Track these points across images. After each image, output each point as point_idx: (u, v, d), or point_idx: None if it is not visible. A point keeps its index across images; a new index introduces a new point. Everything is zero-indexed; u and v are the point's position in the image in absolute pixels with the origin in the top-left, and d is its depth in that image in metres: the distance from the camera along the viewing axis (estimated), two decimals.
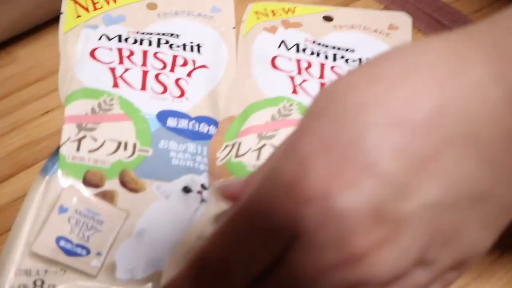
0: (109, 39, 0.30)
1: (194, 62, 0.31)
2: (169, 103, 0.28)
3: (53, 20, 0.38)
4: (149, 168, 0.25)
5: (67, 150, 0.25)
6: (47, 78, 0.35)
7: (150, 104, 0.28)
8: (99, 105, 0.27)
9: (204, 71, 0.30)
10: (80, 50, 0.30)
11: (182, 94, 0.29)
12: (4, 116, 0.33)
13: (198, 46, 0.31)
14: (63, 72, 0.29)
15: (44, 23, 0.37)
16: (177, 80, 0.29)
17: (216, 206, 0.25)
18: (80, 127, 0.26)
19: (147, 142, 0.26)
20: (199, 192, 0.26)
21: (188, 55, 0.31)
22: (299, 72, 0.31)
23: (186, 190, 0.25)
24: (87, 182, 0.24)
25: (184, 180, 0.26)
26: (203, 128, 0.28)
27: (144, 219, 0.24)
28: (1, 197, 0.29)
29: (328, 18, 0.35)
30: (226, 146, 0.27)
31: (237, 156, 0.26)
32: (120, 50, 0.29)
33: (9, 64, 0.36)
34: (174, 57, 0.30)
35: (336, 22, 0.35)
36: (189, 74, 0.30)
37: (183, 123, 0.27)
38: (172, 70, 0.30)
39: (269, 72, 0.30)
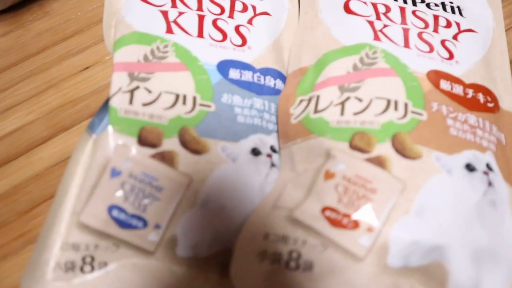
0: None
1: (254, 7, 0.27)
2: (230, 52, 0.24)
3: None
4: (213, 125, 0.22)
5: (118, 103, 0.21)
6: (84, 31, 0.32)
7: (209, 52, 0.24)
8: (152, 51, 0.23)
9: (267, 18, 0.27)
10: None
11: (244, 42, 0.25)
12: (39, 73, 0.30)
13: None
14: (108, 17, 0.25)
15: None
16: (237, 27, 0.25)
17: (292, 171, 0.21)
18: (132, 76, 0.22)
19: (209, 96, 0.22)
20: (269, 155, 0.22)
21: (247, 0, 0.27)
22: (378, 17, 0.26)
23: (255, 152, 0.22)
24: (142, 140, 0.21)
25: (252, 140, 0.22)
26: (269, 81, 0.24)
27: (210, 186, 0.21)
28: (39, 162, 0.26)
29: None
30: (301, 100, 0.23)
31: (316, 111, 0.22)
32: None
33: (42, 18, 0.33)
34: (232, 1, 0.26)
35: None
36: (250, 21, 0.26)
37: (247, 75, 0.24)
38: (231, 15, 0.26)
39: (343, 17, 0.26)
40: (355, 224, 0.20)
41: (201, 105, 0.22)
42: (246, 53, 0.25)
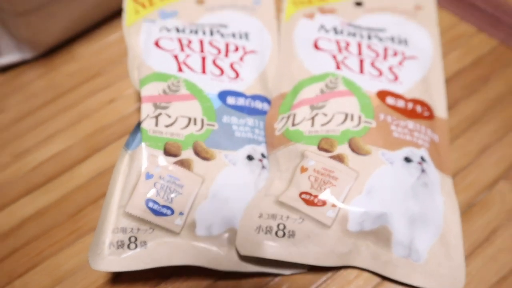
0: (168, 31, 0.33)
1: (244, 48, 0.34)
2: (227, 84, 0.31)
3: (104, 20, 0.42)
4: (217, 139, 0.29)
5: (147, 125, 0.28)
6: (106, 71, 0.38)
7: (210, 85, 0.31)
8: (168, 86, 0.30)
9: (254, 55, 0.34)
10: (143, 41, 0.33)
11: (237, 76, 0.32)
12: (73, 107, 0.37)
13: (246, 34, 0.35)
14: (131, 60, 0.32)
15: (97, 22, 0.41)
16: (231, 64, 0.32)
17: (278, 171, 0.29)
18: (155, 106, 0.29)
19: (213, 117, 0.29)
20: (260, 160, 0.29)
21: (238, 42, 0.34)
22: (340, 51, 0.34)
23: (249, 157, 0.29)
24: (167, 152, 0.27)
25: (247, 149, 0.29)
26: (258, 104, 0.31)
27: (217, 183, 0.27)
28: (80, 176, 0.33)
29: (359, 3, 0.38)
30: (282, 118, 0.30)
31: (293, 125, 0.29)
32: (179, 40, 0.33)
33: (70, 61, 0.40)
34: (227, 44, 0.34)
35: (367, 6, 0.38)
36: (241, 59, 0.33)
37: (241, 101, 0.31)
38: (226, 55, 0.33)
39: (312, 53, 0.34)
40: (323, 202, 0.26)
41: (208, 124, 0.29)
42: (239, 83, 0.32)
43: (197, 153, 0.28)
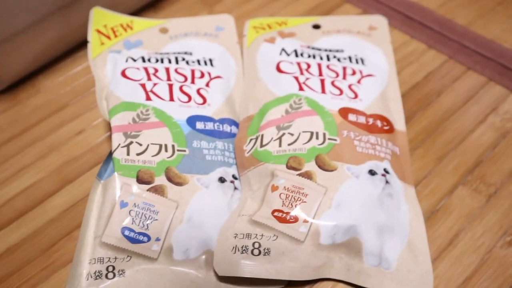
0: (134, 60, 0.34)
1: (209, 74, 0.35)
2: (195, 109, 0.32)
3: (68, 52, 0.42)
4: (188, 164, 0.29)
5: (119, 155, 0.29)
6: (73, 103, 0.39)
7: (179, 111, 0.32)
8: (138, 115, 0.31)
9: (219, 80, 0.35)
10: (110, 71, 0.34)
11: (204, 101, 0.33)
12: (41, 140, 0.37)
13: (210, 60, 0.36)
14: (99, 91, 0.33)
15: (61, 55, 0.42)
16: (198, 90, 0.33)
17: (250, 190, 0.29)
18: (126, 135, 0.30)
19: (183, 143, 0.30)
20: (232, 182, 0.30)
21: (204, 68, 0.35)
22: (301, 73, 0.35)
23: (221, 180, 0.30)
24: (140, 179, 0.28)
25: (218, 172, 0.30)
26: (226, 128, 0.32)
27: (191, 207, 0.28)
28: (53, 209, 0.33)
29: (316, 26, 0.40)
30: (251, 140, 0.31)
31: (261, 146, 0.30)
32: (146, 69, 0.34)
33: (35, 95, 0.40)
34: (192, 71, 0.35)
35: (324, 28, 0.40)
36: (207, 84, 0.34)
37: (209, 125, 0.32)
38: (192, 82, 0.34)
39: (275, 75, 0.35)
40: (295, 219, 0.27)
41: (179, 150, 0.30)
42: (206, 109, 0.33)
43: (169, 178, 0.28)
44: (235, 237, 0.27)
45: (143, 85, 0.32)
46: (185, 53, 0.36)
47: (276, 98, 0.33)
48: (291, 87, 0.34)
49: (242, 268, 0.26)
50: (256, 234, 0.27)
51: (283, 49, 0.37)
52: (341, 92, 0.34)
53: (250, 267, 0.26)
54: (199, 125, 0.31)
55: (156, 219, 0.27)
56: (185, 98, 0.33)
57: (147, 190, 0.28)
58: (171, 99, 0.32)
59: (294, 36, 0.39)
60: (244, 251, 0.27)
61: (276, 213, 0.27)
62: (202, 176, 0.29)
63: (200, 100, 0.33)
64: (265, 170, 0.29)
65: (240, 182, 0.30)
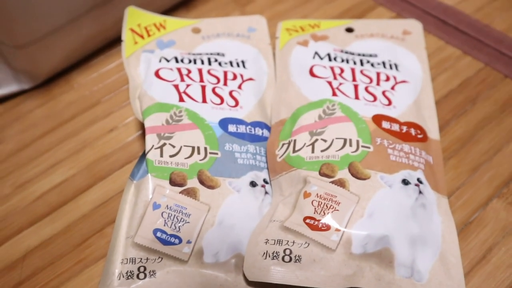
0: (168, 61, 0.34)
1: (242, 76, 0.35)
2: (227, 112, 0.32)
3: (101, 50, 0.42)
4: (220, 167, 0.29)
5: (153, 156, 0.29)
6: (106, 100, 0.39)
7: (211, 113, 0.32)
8: (171, 116, 0.31)
9: (252, 83, 0.35)
10: (143, 71, 0.34)
11: (237, 104, 0.33)
12: (74, 136, 0.37)
13: (243, 62, 0.36)
14: (132, 90, 0.33)
15: (95, 52, 0.42)
16: (230, 92, 0.34)
17: (281, 195, 0.29)
18: (159, 136, 0.30)
19: (215, 146, 0.30)
20: (263, 186, 0.30)
21: (236, 70, 0.35)
22: (335, 78, 0.35)
23: (253, 184, 0.30)
24: (172, 182, 0.28)
25: (250, 176, 0.30)
26: (258, 131, 0.32)
27: (223, 210, 0.28)
28: (85, 205, 0.33)
29: (349, 30, 0.39)
30: (283, 144, 0.31)
31: (294, 151, 0.30)
32: (179, 69, 0.34)
33: (69, 91, 0.40)
34: (225, 73, 0.35)
35: (357, 32, 0.39)
36: (239, 86, 0.34)
37: (242, 128, 0.32)
38: (225, 83, 0.34)
39: (308, 80, 0.35)
40: (327, 227, 0.27)
41: (211, 153, 0.30)
42: (239, 111, 0.33)
43: (202, 181, 0.29)
44: (266, 242, 0.27)
45: (176, 86, 0.33)
46: (218, 54, 0.36)
47: (309, 103, 0.33)
48: (324, 92, 0.33)
49: (272, 274, 0.26)
50: (288, 241, 0.27)
51: (316, 53, 0.37)
52: (375, 98, 0.34)
53: (280, 274, 0.26)
54: (231, 127, 0.31)
55: (188, 222, 0.27)
56: (218, 100, 0.33)
57: (180, 192, 0.28)
58: (204, 100, 0.32)
59: (327, 39, 0.38)
60: (275, 257, 0.27)
61: (308, 220, 0.27)
62: (234, 179, 0.29)
63: (233, 103, 0.33)
64: (298, 176, 0.29)
65: (271, 187, 0.30)
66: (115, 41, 0.42)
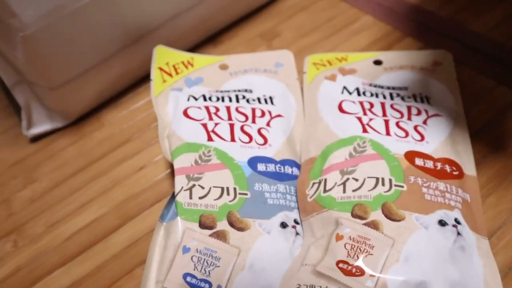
0: (196, 99, 0.35)
1: (270, 112, 0.35)
2: (256, 150, 0.32)
3: (130, 87, 0.43)
4: (250, 208, 0.29)
5: (182, 198, 0.29)
6: (135, 138, 0.40)
7: (240, 152, 0.32)
8: (200, 157, 0.31)
9: (280, 119, 0.35)
10: (171, 110, 0.34)
11: (266, 142, 0.33)
12: (104, 174, 0.37)
13: (271, 98, 0.36)
14: (161, 129, 0.33)
15: (124, 90, 0.43)
16: (259, 130, 0.33)
17: (312, 237, 0.29)
18: (188, 178, 0.30)
19: (244, 186, 0.30)
20: (293, 227, 0.29)
21: (264, 106, 0.35)
22: (364, 113, 0.34)
23: (283, 225, 0.29)
24: (202, 224, 0.28)
25: (280, 217, 0.29)
26: (288, 170, 0.32)
27: (253, 253, 0.27)
28: (115, 245, 0.33)
29: (377, 62, 0.39)
30: (314, 183, 0.30)
31: (325, 191, 0.30)
32: (207, 108, 0.34)
33: (99, 128, 0.41)
34: (253, 110, 0.34)
35: (386, 65, 0.38)
36: (268, 124, 0.34)
37: (271, 167, 0.31)
38: (253, 121, 0.34)
39: (338, 115, 0.34)
40: (361, 272, 0.26)
41: (240, 193, 0.30)
42: (267, 149, 0.32)
43: (231, 223, 0.28)
44: (298, 287, 0.26)
45: (204, 125, 0.33)
46: (246, 90, 0.36)
47: (338, 140, 0.32)
48: (355, 129, 0.33)
49: None
50: (321, 286, 0.26)
51: (344, 87, 0.36)
52: (407, 134, 0.33)
53: None
54: (261, 167, 0.31)
55: (218, 266, 0.27)
56: (246, 139, 0.32)
57: (209, 235, 0.27)
58: (232, 139, 0.32)
59: (355, 73, 0.38)
60: None
61: (341, 265, 0.26)
62: (264, 220, 0.29)
63: (261, 141, 0.33)
64: (329, 217, 0.29)
65: (302, 228, 0.29)
66: (144, 79, 0.43)
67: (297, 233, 0.29)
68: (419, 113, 0.34)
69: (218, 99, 0.35)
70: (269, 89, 0.37)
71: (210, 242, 0.27)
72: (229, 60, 0.39)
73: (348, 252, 0.27)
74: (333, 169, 0.31)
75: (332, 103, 0.35)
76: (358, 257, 0.26)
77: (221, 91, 0.36)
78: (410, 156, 0.31)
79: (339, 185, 0.30)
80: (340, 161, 0.31)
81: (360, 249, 0.27)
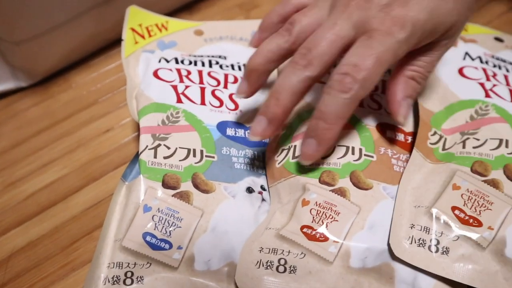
0: (167, 61, 0.33)
1: None
2: (226, 115, 0.31)
3: (102, 49, 0.42)
4: (216, 171, 0.28)
5: (146, 157, 0.28)
6: (103, 100, 0.38)
7: (210, 116, 0.31)
8: (168, 117, 0.30)
9: None
10: (142, 71, 0.33)
11: (236, 107, 0.32)
12: (69, 135, 0.36)
13: (244, 65, 0.35)
14: (129, 90, 0.32)
15: (94, 52, 0.41)
16: (230, 95, 0.33)
17: (279, 203, 0.28)
18: (154, 137, 0.29)
19: (212, 149, 0.29)
20: (260, 192, 0.29)
21: (237, 73, 0.34)
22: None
23: (249, 190, 0.28)
24: (165, 184, 0.27)
25: (246, 182, 0.29)
26: None
27: (217, 216, 0.27)
28: (76, 206, 0.32)
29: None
30: (283, 150, 0.30)
31: (294, 157, 0.29)
32: (178, 70, 0.33)
33: (67, 90, 0.40)
34: (226, 75, 0.34)
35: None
36: None
37: (240, 132, 0.31)
38: (225, 86, 0.33)
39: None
40: (325, 238, 0.26)
41: (207, 156, 0.29)
42: (238, 115, 0.32)
43: (196, 185, 0.27)
44: (260, 251, 0.26)
45: (175, 87, 0.32)
46: (219, 56, 0.35)
47: (311, 109, 0.32)
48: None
49: (265, 285, 0.25)
50: (283, 250, 0.26)
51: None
52: (379, 106, 0.33)
53: (274, 285, 0.25)
54: (230, 131, 0.30)
55: (180, 226, 0.26)
56: (217, 103, 0.32)
57: (172, 195, 0.27)
58: (203, 103, 0.31)
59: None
60: (268, 267, 0.25)
61: (305, 230, 0.26)
62: (230, 184, 0.28)
63: (232, 106, 0.32)
64: (297, 183, 0.28)
65: (269, 194, 0.29)
66: (116, 42, 0.41)
67: (263, 199, 0.29)
68: None
69: (190, 62, 0.34)
70: (244, 57, 0.36)
71: (172, 202, 0.26)
72: (205, 26, 0.38)
73: (313, 217, 0.26)
74: (302, 137, 0.30)
75: None
76: (323, 223, 0.26)
77: (194, 56, 0.35)
78: (382, 128, 0.31)
79: None
80: None
81: (325, 215, 0.26)
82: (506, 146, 0.29)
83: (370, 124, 0.31)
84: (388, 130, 0.31)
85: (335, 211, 0.27)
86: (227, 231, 0.27)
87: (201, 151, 0.29)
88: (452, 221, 0.26)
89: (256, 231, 0.27)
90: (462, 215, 0.26)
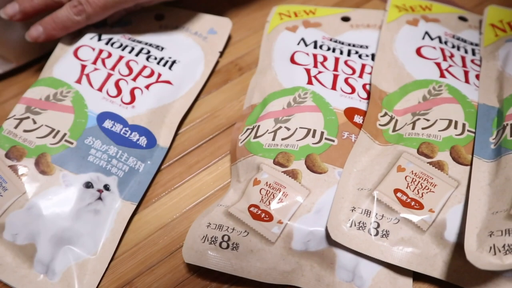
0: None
1: (159, 75, 0.34)
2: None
3: None
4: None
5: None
6: None
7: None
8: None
9: (165, 86, 0.34)
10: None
11: (132, 101, 0.32)
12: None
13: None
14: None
15: None
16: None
17: (238, 182, 0.29)
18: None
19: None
20: (99, 191, 0.29)
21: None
22: (315, 65, 0.31)
23: (87, 185, 0.29)
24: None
25: (89, 176, 0.29)
26: (134, 136, 0.31)
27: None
28: None
29: (345, 19, 0.32)
30: (247, 129, 0.30)
31: (255, 137, 0.29)
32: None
33: None
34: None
35: (353, 22, 0.33)
36: (147, 87, 0.33)
37: (117, 127, 0.31)
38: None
39: (287, 66, 0.31)
40: (270, 218, 0.26)
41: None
42: (128, 110, 0.31)
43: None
44: (207, 226, 0.27)
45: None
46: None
47: (282, 90, 0.30)
48: (300, 80, 0.30)
49: (207, 259, 0.26)
50: (228, 227, 0.26)
51: (302, 39, 0.32)
52: (353, 90, 0.29)
53: (215, 260, 0.26)
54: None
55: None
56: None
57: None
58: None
59: (319, 27, 0.33)
60: (212, 242, 0.26)
61: (252, 208, 0.27)
62: (72, 174, 0.28)
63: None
64: (253, 162, 0.28)
65: (230, 171, 0.29)
66: None
67: (99, 198, 0.28)
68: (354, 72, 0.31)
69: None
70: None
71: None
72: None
73: (262, 197, 0.27)
74: (269, 116, 0.29)
75: (285, 53, 0.32)
76: (269, 203, 0.27)
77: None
78: (350, 112, 0.28)
79: (270, 132, 0.29)
80: (277, 109, 0.30)
81: (273, 195, 0.27)
82: (455, 127, 0.28)
83: (338, 108, 0.28)
84: (356, 115, 0.28)
85: (284, 192, 0.27)
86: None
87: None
88: (394, 204, 0.24)
89: (209, 207, 0.28)
90: (404, 198, 0.24)
